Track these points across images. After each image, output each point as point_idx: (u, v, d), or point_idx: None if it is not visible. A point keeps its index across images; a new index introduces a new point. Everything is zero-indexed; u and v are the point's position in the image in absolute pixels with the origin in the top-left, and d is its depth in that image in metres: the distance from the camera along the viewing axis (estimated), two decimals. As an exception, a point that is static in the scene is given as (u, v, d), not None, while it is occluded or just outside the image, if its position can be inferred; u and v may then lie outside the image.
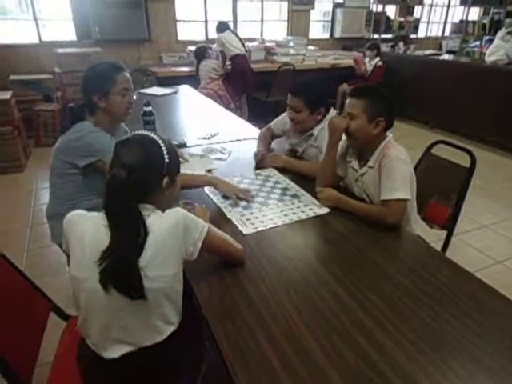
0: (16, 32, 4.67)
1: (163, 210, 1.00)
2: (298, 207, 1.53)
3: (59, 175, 1.58)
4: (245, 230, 1.36)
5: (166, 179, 1.01)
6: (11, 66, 4.51)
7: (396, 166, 1.41)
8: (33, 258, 2.42)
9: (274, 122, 2.14)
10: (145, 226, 0.92)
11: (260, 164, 1.90)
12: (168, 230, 0.94)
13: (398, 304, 1.02)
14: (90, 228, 0.95)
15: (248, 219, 1.44)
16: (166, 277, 0.94)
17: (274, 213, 1.48)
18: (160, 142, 1.00)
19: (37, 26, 4.68)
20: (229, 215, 1.47)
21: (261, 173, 1.85)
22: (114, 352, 0.98)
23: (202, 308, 1.02)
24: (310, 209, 1.51)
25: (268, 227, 1.39)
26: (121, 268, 0.89)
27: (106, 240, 0.90)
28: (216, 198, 1.59)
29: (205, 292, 1.07)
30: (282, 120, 2.08)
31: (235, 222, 1.41)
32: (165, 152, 1.00)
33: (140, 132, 1.04)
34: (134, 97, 1.63)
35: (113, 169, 0.93)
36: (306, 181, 1.73)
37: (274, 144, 2.17)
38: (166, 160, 1.00)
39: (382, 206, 1.41)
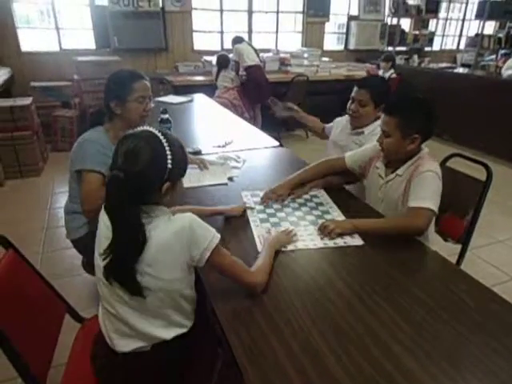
0: (38, 40, 4.81)
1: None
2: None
3: (72, 176, 1.64)
4: (260, 248, 1.28)
5: (166, 184, 0.95)
6: (32, 72, 4.65)
7: (430, 179, 1.39)
8: (48, 259, 2.46)
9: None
10: (143, 229, 0.91)
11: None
12: (172, 234, 0.94)
13: (414, 317, 1.01)
14: (102, 223, 0.99)
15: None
16: (168, 279, 0.95)
17: (300, 235, 1.38)
18: (165, 144, 0.93)
19: (58, 34, 4.82)
20: (254, 230, 1.41)
21: (311, 199, 1.67)
22: (126, 346, 1.01)
23: (216, 316, 1.03)
24: (342, 238, 1.37)
25: (288, 249, 1.30)
26: (117, 266, 0.93)
27: (110, 235, 0.94)
28: (251, 211, 1.52)
29: (220, 302, 1.07)
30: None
31: (256, 238, 1.35)
32: (169, 156, 0.93)
33: (148, 129, 0.96)
34: (152, 104, 1.66)
35: (113, 167, 0.91)
36: (349, 205, 1.61)
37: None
38: (169, 166, 0.94)
39: (409, 212, 1.37)
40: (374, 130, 1.89)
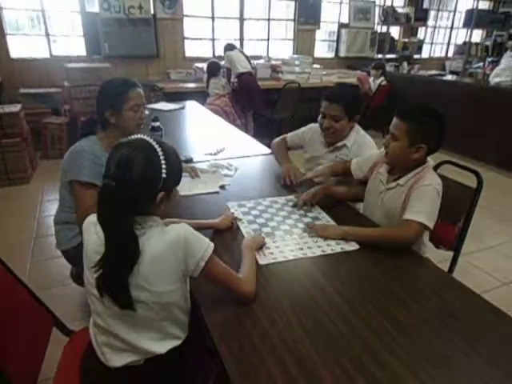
0: (28, 47, 4.76)
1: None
2: (325, 239, 1.39)
3: (63, 185, 1.61)
4: (261, 260, 1.26)
5: (160, 194, 0.93)
6: (22, 79, 4.60)
7: (429, 193, 1.38)
8: (36, 269, 2.41)
9: (290, 134, 2.12)
10: (136, 241, 0.89)
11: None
12: (167, 245, 0.92)
13: (409, 329, 1.00)
14: (93, 236, 0.96)
15: (268, 247, 1.34)
16: (163, 291, 0.94)
17: (296, 243, 1.37)
18: (160, 152, 0.91)
19: (48, 41, 4.79)
20: None
21: (293, 199, 1.71)
22: (118, 360, 0.98)
23: (208, 329, 1.01)
24: (337, 243, 1.38)
25: (288, 259, 1.28)
26: (110, 280, 0.91)
27: (99, 249, 0.92)
28: (241, 223, 1.50)
29: (211, 312, 1.05)
30: (302, 135, 2.07)
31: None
32: (163, 165, 0.91)
33: (141, 137, 0.94)
34: (146, 112, 1.64)
35: (106, 176, 0.89)
36: (339, 212, 1.63)
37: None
38: (164, 175, 0.91)
39: (401, 224, 1.38)
40: (358, 141, 1.86)
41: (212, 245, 0.99)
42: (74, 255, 1.62)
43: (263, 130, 4.86)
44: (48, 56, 4.80)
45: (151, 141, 0.93)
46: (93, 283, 0.94)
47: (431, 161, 1.51)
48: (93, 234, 0.96)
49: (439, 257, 1.72)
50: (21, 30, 4.78)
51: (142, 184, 0.89)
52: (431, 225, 1.36)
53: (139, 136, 0.94)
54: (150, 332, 0.98)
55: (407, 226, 1.35)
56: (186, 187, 1.78)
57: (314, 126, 1.99)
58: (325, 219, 1.56)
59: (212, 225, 1.43)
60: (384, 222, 1.54)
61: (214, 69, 4.54)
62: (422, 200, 1.38)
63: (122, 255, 0.89)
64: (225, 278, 1.03)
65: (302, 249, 1.35)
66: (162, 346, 0.99)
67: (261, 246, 1.33)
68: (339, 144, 1.88)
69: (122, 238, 0.89)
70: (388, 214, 1.53)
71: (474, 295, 1.16)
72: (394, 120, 1.46)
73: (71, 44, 4.94)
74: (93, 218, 0.99)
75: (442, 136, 1.43)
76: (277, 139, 2.17)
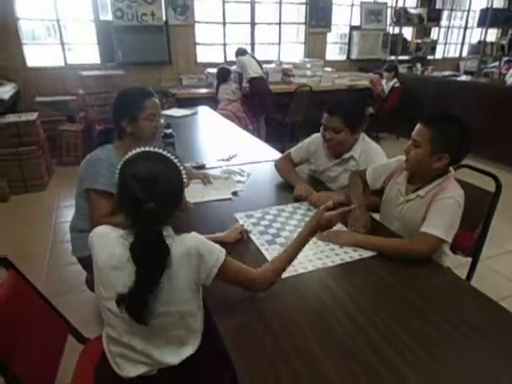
0: (43, 55, 4.87)
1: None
2: (341, 247, 1.38)
3: (79, 193, 1.63)
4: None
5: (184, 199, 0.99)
6: (38, 87, 4.70)
7: (450, 206, 1.35)
8: (52, 275, 2.44)
9: (294, 149, 2.01)
10: (169, 254, 0.90)
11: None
12: (180, 256, 0.92)
13: (426, 339, 0.98)
14: (107, 250, 0.96)
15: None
16: (178, 301, 0.94)
17: (314, 253, 1.33)
18: (171, 156, 0.95)
19: (63, 49, 4.88)
20: (266, 254, 1.34)
21: (300, 206, 1.69)
22: (133, 371, 0.98)
23: (220, 335, 1.00)
24: (355, 250, 1.36)
25: (308, 270, 1.25)
26: (136, 296, 0.90)
27: (118, 265, 0.92)
28: (253, 234, 1.47)
29: (223, 319, 1.05)
30: (307, 148, 1.97)
31: None
32: (180, 168, 0.96)
33: (141, 150, 0.94)
34: (162, 120, 1.66)
35: (137, 201, 0.88)
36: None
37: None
38: (185, 180, 0.96)
39: (417, 236, 1.34)
40: (364, 149, 1.81)
41: (223, 251, 1.00)
42: (89, 262, 1.62)
43: (275, 134, 4.85)
44: (63, 64, 4.89)
45: (153, 149, 0.95)
46: (107, 297, 0.94)
47: (453, 171, 1.47)
48: (107, 248, 0.96)
49: (457, 262, 1.68)
50: (37, 40, 4.89)
51: (173, 192, 0.94)
52: (449, 239, 1.33)
53: (139, 150, 0.95)
54: (164, 343, 0.97)
55: (423, 239, 1.32)
56: (199, 194, 1.79)
57: (319, 136, 1.93)
58: (337, 226, 1.53)
59: (218, 239, 1.37)
60: (404, 234, 1.49)
61: (223, 75, 4.56)
62: (441, 213, 1.34)
63: (156, 271, 0.89)
64: (238, 280, 1.05)
65: (320, 258, 1.32)
66: (176, 356, 0.99)
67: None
68: (346, 156, 1.84)
69: (160, 252, 0.89)
70: (408, 227, 1.48)
71: (494, 305, 1.12)
72: (418, 126, 1.42)
73: (86, 52, 5.03)
74: (103, 229, 1.00)
75: (466, 147, 1.38)
76: (280, 158, 2.06)
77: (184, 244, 0.93)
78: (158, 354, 0.97)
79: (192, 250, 0.93)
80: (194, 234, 0.98)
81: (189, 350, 1.02)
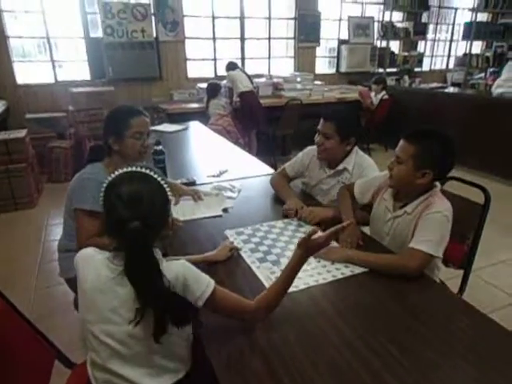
0: (33, 73, 4.86)
1: None
2: (333, 263, 1.37)
3: (68, 212, 1.60)
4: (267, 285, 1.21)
5: (171, 217, 0.99)
6: (28, 104, 4.69)
7: (438, 221, 1.33)
8: (40, 295, 2.39)
9: (288, 164, 2.03)
10: (162, 277, 0.88)
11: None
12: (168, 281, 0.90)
13: (419, 358, 0.97)
14: (92, 272, 0.94)
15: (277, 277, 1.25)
16: None
17: (304, 270, 1.23)
18: (154, 175, 0.95)
19: (53, 66, 4.89)
20: (257, 272, 1.32)
21: (291, 222, 1.69)
22: None
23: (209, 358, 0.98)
24: (346, 266, 1.36)
25: (299, 288, 1.23)
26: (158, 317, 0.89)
27: (104, 288, 0.91)
28: (243, 252, 1.45)
29: (214, 347, 1.02)
30: (301, 161, 1.99)
31: (264, 282, 1.26)
32: (165, 185, 0.95)
33: (123, 171, 0.94)
34: (150, 141, 1.65)
35: (121, 221, 0.87)
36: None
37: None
38: (171, 197, 0.97)
39: (406, 252, 1.33)
40: (358, 162, 1.84)
41: (212, 283, 0.97)
42: (77, 284, 1.61)
43: (266, 148, 4.87)
44: (53, 81, 4.89)
45: (137, 169, 0.94)
46: (91, 321, 0.92)
47: (439, 185, 1.46)
48: (92, 270, 0.94)
49: (449, 274, 1.68)
50: (27, 57, 4.89)
51: (158, 210, 0.92)
52: (439, 253, 1.32)
53: (121, 171, 0.94)
54: (145, 367, 0.95)
55: (412, 255, 1.31)
56: (190, 211, 1.77)
57: (312, 149, 1.95)
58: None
59: (208, 258, 1.36)
60: (395, 249, 1.48)
61: (213, 90, 4.59)
62: (430, 228, 1.33)
63: (156, 286, 0.87)
64: (228, 311, 1.01)
65: (312, 275, 1.31)
66: (161, 382, 0.96)
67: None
68: (339, 167, 1.86)
69: (153, 274, 0.88)
70: (397, 244, 1.48)
71: (486, 320, 1.12)
72: (401, 142, 1.42)
73: (76, 69, 5.04)
74: (88, 252, 0.99)
75: (450, 162, 1.38)
76: (274, 174, 2.09)
77: (171, 270, 0.92)
78: (141, 379, 0.94)
79: (179, 276, 0.91)
80: (183, 261, 0.97)
81: (175, 375, 0.99)
